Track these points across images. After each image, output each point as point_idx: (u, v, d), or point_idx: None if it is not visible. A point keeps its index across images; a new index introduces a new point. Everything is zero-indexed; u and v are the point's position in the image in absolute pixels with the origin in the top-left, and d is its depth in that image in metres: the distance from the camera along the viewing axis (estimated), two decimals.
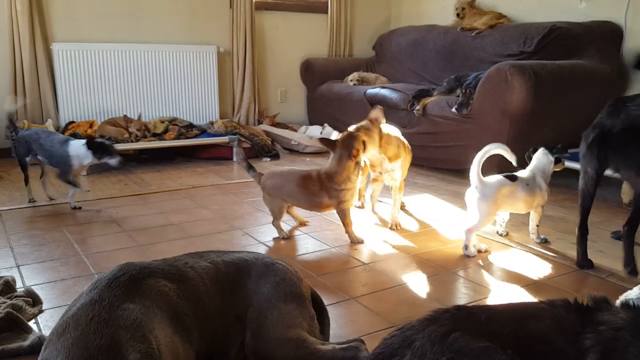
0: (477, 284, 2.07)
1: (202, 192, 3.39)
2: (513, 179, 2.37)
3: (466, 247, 2.35)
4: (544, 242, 2.51)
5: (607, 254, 2.29)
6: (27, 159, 3.01)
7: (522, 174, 2.43)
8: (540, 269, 2.22)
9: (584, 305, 1.09)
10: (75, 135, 3.78)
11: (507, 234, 2.62)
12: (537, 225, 2.51)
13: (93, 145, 2.88)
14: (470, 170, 2.27)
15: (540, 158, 2.47)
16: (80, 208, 2.99)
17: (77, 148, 2.89)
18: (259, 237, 2.59)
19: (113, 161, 2.90)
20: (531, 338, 1.04)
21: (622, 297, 1.59)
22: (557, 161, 2.47)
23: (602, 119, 2.08)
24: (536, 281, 2.10)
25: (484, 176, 2.31)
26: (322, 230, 2.68)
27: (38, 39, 4.18)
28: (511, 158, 2.32)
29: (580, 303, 1.10)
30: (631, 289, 1.63)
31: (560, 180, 3.16)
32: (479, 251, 2.38)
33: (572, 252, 2.39)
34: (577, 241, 2.24)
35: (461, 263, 2.28)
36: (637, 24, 3.83)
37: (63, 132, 4.09)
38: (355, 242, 2.51)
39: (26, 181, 3.08)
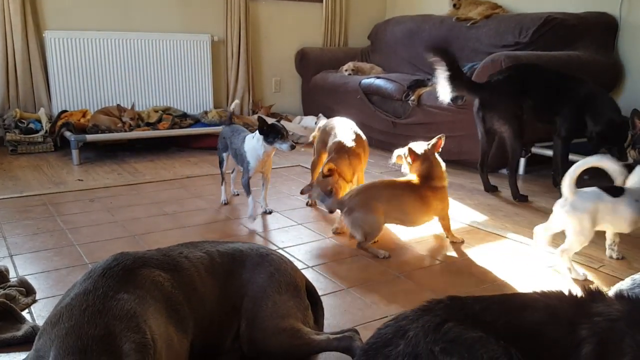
0: (471, 275, 2.08)
1: (196, 182, 3.37)
2: (618, 192, 2.01)
3: (569, 270, 2.03)
4: (620, 259, 2.21)
5: (599, 245, 2.30)
6: (224, 154, 2.88)
7: (634, 185, 2.04)
8: (533, 260, 2.24)
9: (578, 296, 1.10)
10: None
11: (622, 258, 2.24)
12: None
13: (263, 130, 2.54)
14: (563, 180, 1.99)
15: None
16: (270, 212, 2.76)
17: (249, 141, 2.65)
18: (253, 227, 2.58)
19: (285, 146, 2.53)
20: (525, 328, 1.05)
21: (615, 288, 1.60)
22: None
23: (481, 92, 3.08)
24: (529, 272, 2.11)
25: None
26: (317, 221, 2.68)
27: (30, 27, 4.13)
28: (617, 175, 2.03)
29: (574, 294, 1.11)
30: (623, 279, 1.64)
31: (548, 172, 3.17)
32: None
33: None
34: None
35: (455, 254, 2.29)
36: (632, 16, 3.83)
37: (56, 122, 4.07)
38: (457, 241, 2.41)
39: (222, 179, 2.94)
